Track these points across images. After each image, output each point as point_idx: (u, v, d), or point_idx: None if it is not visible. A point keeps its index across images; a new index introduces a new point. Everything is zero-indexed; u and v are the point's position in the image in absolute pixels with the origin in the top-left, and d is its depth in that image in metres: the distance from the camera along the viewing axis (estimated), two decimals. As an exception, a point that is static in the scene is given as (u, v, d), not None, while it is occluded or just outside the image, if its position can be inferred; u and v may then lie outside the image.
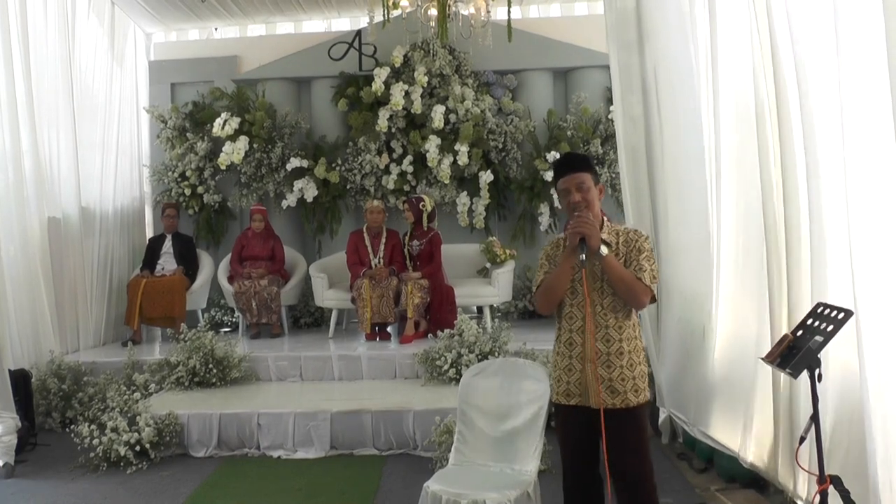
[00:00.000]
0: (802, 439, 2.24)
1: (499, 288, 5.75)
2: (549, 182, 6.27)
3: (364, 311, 5.39)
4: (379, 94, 6.35)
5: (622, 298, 2.30)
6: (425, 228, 5.62)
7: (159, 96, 6.90)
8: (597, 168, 2.41)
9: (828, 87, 2.41)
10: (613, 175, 6.11)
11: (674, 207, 3.63)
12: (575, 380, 2.32)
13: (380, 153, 6.58)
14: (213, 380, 4.70)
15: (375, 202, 5.75)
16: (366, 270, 5.53)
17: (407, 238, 5.69)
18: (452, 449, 2.87)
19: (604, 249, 2.23)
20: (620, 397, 2.27)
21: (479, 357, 4.43)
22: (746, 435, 3.00)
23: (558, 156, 6.21)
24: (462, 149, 6.29)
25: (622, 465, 2.24)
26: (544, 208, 6.43)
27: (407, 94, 6.38)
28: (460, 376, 3.96)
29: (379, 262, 5.61)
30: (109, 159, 6.20)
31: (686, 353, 3.52)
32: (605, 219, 2.39)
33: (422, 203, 5.60)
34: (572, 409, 2.32)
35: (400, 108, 6.33)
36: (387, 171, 6.59)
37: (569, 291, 2.32)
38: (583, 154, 2.60)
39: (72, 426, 4.13)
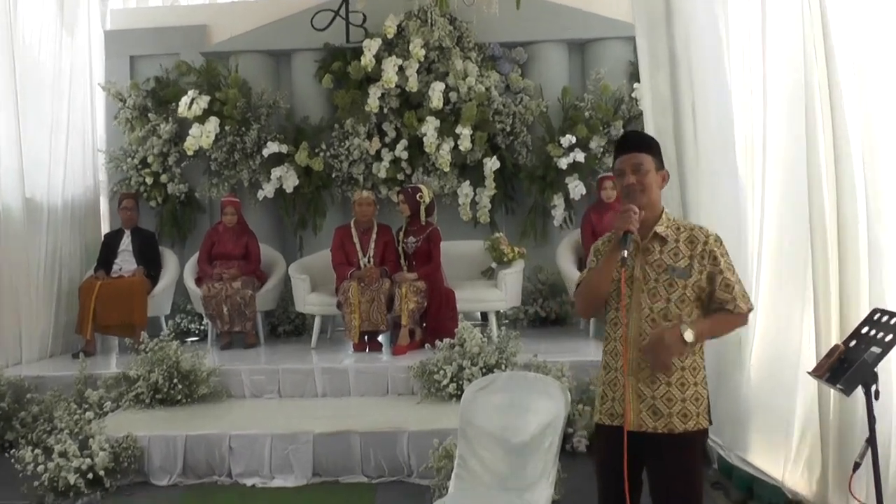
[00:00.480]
0: (857, 465, 2.23)
1: (506, 291, 5.75)
2: (564, 170, 6.27)
3: (352, 318, 5.39)
4: (369, 69, 6.34)
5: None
6: (422, 223, 5.62)
7: (117, 71, 6.88)
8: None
9: (888, 71, 2.39)
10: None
11: (706, 200, 3.63)
12: (620, 397, 2.29)
13: (370, 137, 6.56)
14: (179, 397, 4.70)
15: (365, 193, 5.74)
16: (354, 271, 5.53)
17: (401, 234, 5.69)
18: (453, 476, 2.86)
19: (688, 335, 2.20)
20: (663, 421, 2.24)
21: (484, 370, 4.42)
22: (790, 461, 2.99)
23: (574, 140, 6.22)
24: (464, 132, 6.28)
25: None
26: (558, 200, 6.42)
27: (401, 69, 6.37)
28: (462, 392, 3.94)
29: (369, 262, 5.61)
30: (59, 143, 6.16)
31: (718, 367, 3.50)
32: (665, 211, 2.34)
33: (419, 194, 5.60)
34: (615, 430, 2.27)
35: (393, 85, 6.32)
36: (378, 157, 6.58)
37: (615, 293, 2.31)
38: (646, 134, 2.58)
39: (12, 451, 4.07)
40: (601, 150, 6.30)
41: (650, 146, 2.34)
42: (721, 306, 2.28)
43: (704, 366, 2.32)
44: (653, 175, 2.29)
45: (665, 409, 2.24)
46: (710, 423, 2.30)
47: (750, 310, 2.30)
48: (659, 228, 2.29)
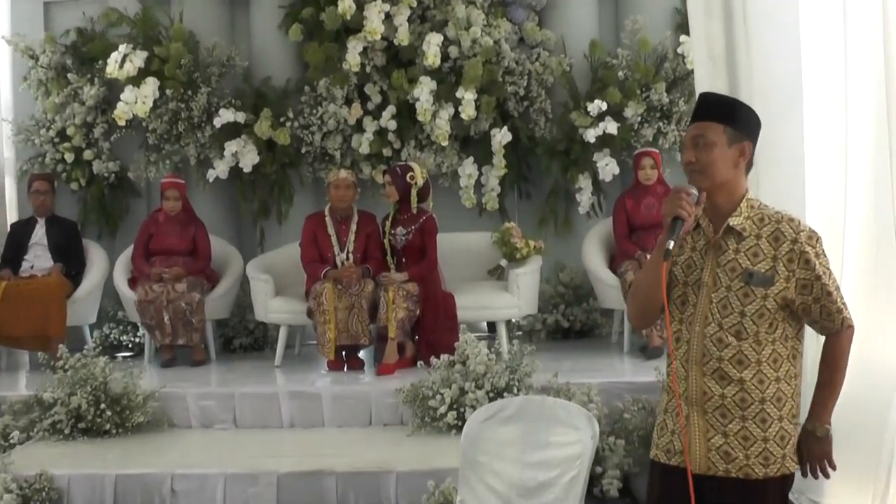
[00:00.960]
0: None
1: (519, 296, 5.74)
2: (592, 145, 6.27)
3: (326, 329, 5.38)
4: (348, 17, 6.31)
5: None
6: (414, 211, 5.61)
7: (26, 21, 6.84)
8: (746, 118, 2.35)
9: None
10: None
11: (766, 183, 3.62)
12: (681, 430, 2.28)
13: (349, 103, 6.53)
14: (107, 426, 4.68)
15: (342, 173, 5.73)
16: (328, 270, 5.52)
17: (388, 224, 5.67)
18: (453, 527, 2.86)
19: (822, 430, 2.24)
20: (737, 464, 2.23)
21: (491, 395, 4.41)
22: (880, 499, 2.98)
23: (604, 107, 6.21)
24: (467, 96, 6.27)
25: None
26: (585, 182, 6.41)
27: (388, 17, 6.35)
28: (463, 423, 3.89)
29: (347, 259, 5.60)
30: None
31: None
32: (747, 196, 2.30)
33: (409, 174, 5.59)
34: (674, 471, 2.28)
35: (378, 37, 6.31)
36: (359, 128, 6.56)
37: (678, 301, 2.29)
38: (724, 96, 2.55)
39: None
40: (638, 119, 6.28)
41: (725, 112, 2.30)
42: (827, 321, 2.26)
43: (794, 393, 2.29)
44: (720, 150, 2.25)
45: (739, 450, 2.24)
46: (798, 465, 2.29)
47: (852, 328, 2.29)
48: (734, 220, 2.26)
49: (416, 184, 5.57)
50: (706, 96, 2.43)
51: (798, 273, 2.22)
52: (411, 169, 5.62)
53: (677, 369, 2.29)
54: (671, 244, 2.17)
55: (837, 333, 2.27)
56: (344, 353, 5.52)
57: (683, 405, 2.27)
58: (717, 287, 2.25)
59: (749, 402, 2.23)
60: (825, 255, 2.27)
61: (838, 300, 2.26)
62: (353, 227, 5.67)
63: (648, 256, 2.37)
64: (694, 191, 2.21)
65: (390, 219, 5.68)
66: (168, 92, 6.40)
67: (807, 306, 2.24)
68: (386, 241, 5.65)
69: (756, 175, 3.63)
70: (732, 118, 2.30)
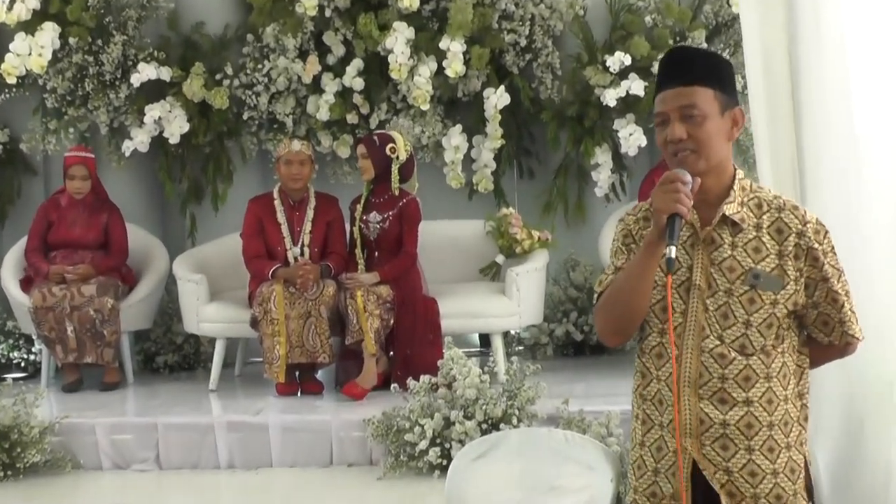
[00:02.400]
0: None
1: (519, 300, 5.75)
2: (612, 109, 6.26)
3: (275, 344, 5.37)
4: (301, -55, 6.32)
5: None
6: (394, 192, 5.61)
7: None
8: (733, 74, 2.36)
9: None
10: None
11: (809, 172, 3.64)
12: (667, 468, 2.31)
13: (304, 56, 6.52)
14: (-5, 468, 4.65)
15: (296, 144, 5.72)
16: (278, 268, 5.50)
17: (358, 209, 5.67)
18: None
19: None
20: None
21: (485, 427, 4.42)
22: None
23: (627, 61, 6.21)
24: (453, 48, 6.25)
25: None
26: (603, 156, 6.41)
27: (353, -55, 6.36)
28: (448, 462, 3.87)
29: (302, 255, 5.59)
30: None
31: (860, 424, 3.49)
32: (737, 176, 2.32)
33: (390, 145, 5.58)
34: None
35: (340, -29, 6.32)
36: (317, 88, 6.55)
37: (658, 308, 2.31)
38: (703, 50, 2.53)
39: None
40: (671, 76, 6.30)
41: (711, 72, 2.30)
42: (820, 331, 2.31)
43: (801, 417, 2.34)
44: (714, 122, 2.26)
45: (747, 489, 2.26)
46: (812, 502, 2.32)
47: (863, 338, 2.34)
48: (729, 208, 2.28)
49: (397, 157, 5.57)
50: (685, 52, 2.43)
51: (805, 271, 2.26)
52: (392, 139, 5.61)
53: (660, 393, 2.31)
54: (673, 250, 2.16)
55: (830, 346, 2.34)
56: (297, 373, 5.50)
57: (669, 437, 2.29)
58: (713, 291, 2.26)
59: (756, 427, 2.25)
60: (834, 253, 2.30)
61: (845, 308, 2.29)
62: (310, 213, 5.65)
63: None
64: (688, 177, 2.19)
65: (362, 202, 5.66)
66: (71, 41, 6.36)
67: (805, 309, 2.29)
68: (354, 231, 5.64)
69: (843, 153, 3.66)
70: (722, 79, 2.31)
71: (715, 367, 2.25)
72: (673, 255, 2.15)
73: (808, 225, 2.27)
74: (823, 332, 2.31)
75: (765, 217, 2.28)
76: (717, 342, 2.25)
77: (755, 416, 2.25)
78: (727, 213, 2.26)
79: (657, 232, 2.19)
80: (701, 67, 2.30)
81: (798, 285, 2.25)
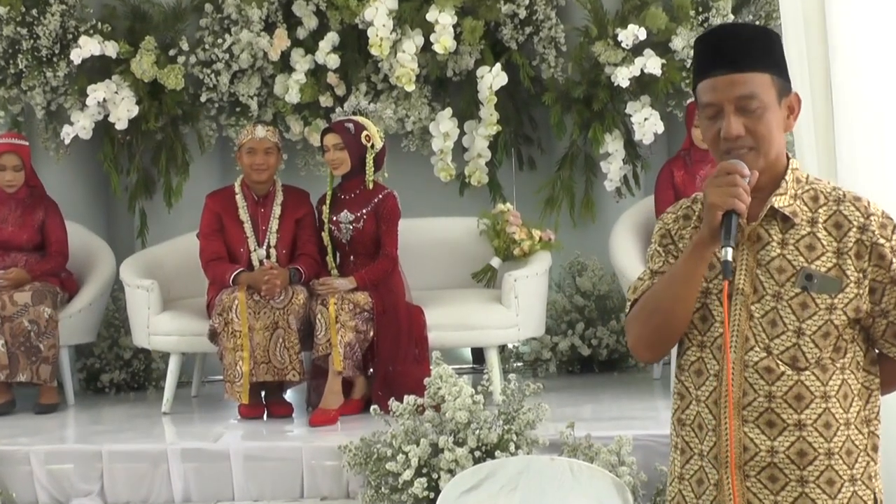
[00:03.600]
0: None
1: (518, 309, 5.74)
2: (625, 90, 6.28)
3: (237, 360, 5.36)
4: None
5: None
6: (368, 186, 5.61)
7: None
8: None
9: None
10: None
11: (847, 161, 3.66)
12: (709, 502, 2.30)
13: (270, 29, 6.51)
14: (-86, 504, 4.64)
15: (261, 130, 5.70)
16: (240, 273, 5.50)
17: (328, 206, 5.67)
18: None
19: None
20: None
21: (478, 455, 4.39)
22: None
23: (642, 35, 6.21)
24: (442, 20, 6.26)
25: None
26: (614, 144, 6.42)
27: None
28: (436, 495, 3.87)
29: (268, 257, 5.60)
30: None
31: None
32: (791, 166, 2.31)
33: (365, 133, 5.58)
34: None
35: (312, -68, 6.32)
36: (285, 65, 6.56)
37: (697, 318, 2.31)
38: (755, 27, 2.48)
39: None
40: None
41: (766, 52, 2.29)
42: (892, 346, 2.29)
43: (869, 447, 2.32)
44: (774, 113, 2.26)
45: None
46: None
47: None
48: (779, 201, 2.27)
49: (372, 147, 5.57)
50: (738, 30, 2.40)
51: (870, 272, 2.24)
52: (364, 127, 5.61)
53: (700, 416, 2.30)
54: (730, 252, 2.15)
55: None
56: (263, 393, 5.50)
57: (712, 465, 2.28)
58: (759, 296, 2.25)
59: (811, 456, 2.24)
60: None
61: None
62: (276, 209, 5.66)
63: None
64: (747, 170, 2.19)
65: (329, 198, 5.66)
66: (1, 11, 6.35)
67: (871, 319, 2.27)
68: (325, 231, 5.64)
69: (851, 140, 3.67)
70: (778, 60, 2.30)
71: (761, 383, 2.24)
72: (730, 258, 2.14)
73: (872, 218, 2.24)
74: (893, 344, 2.28)
75: (821, 210, 2.27)
76: (764, 354, 2.24)
77: (809, 443, 2.23)
78: (776, 206, 2.25)
79: (709, 231, 2.18)
80: (758, 49, 2.28)
81: (860, 288, 2.23)
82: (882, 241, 2.23)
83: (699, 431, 2.31)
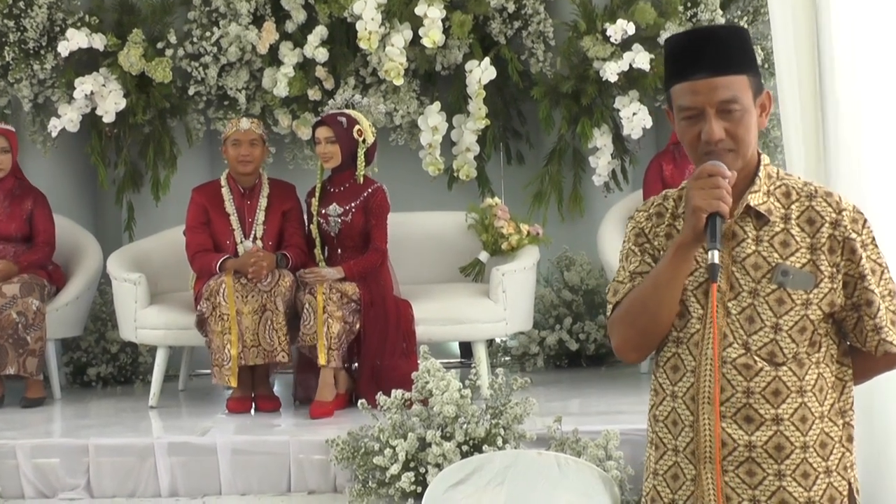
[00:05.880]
0: None
1: (506, 304, 5.75)
2: (613, 85, 6.29)
3: (225, 343, 5.36)
4: None
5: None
6: (358, 180, 5.61)
7: None
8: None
9: None
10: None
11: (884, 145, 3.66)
12: (685, 499, 2.32)
13: (259, 22, 6.52)
14: None
15: (245, 123, 5.70)
16: (226, 259, 5.49)
17: (314, 202, 5.67)
18: None
19: None
20: None
21: (465, 449, 4.39)
22: None
23: (631, 30, 6.21)
24: (431, 13, 6.26)
25: None
26: (602, 139, 6.44)
27: None
28: (424, 489, 3.87)
29: (256, 245, 5.60)
30: None
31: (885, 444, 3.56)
32: (763, 163, 2.33)
33: (357, 127, 5.57)
34: None
35: (301, -75, 6.33)
36: (273, 59, 6.57)
37: (677, 318, 2.32)
38: (730, 28, 2.50)
39: None
40: (681, 48, 6.32)
41: (743, 53, 2.30)
42: (857, 339, 2.31)
43: (852, 434, 2.35)
44: (752, 114, 2.28)
45: None
46: None
47: None
48: (754, 198, 2.28)
49: (363, 141, 5.56)
50: (714, 33, 2.41)
51: (843, 266, 2.26)
52: (356, 121, 5.60)
53: (675, 412, 2.32)
54: (716, 254, 2.16)
55: (872, 356, 2.33)
56: (251, 387, 5.51)
57: (688, 460, 2.30)
58: (735, 292, 2.27)
59: (787, 449, 2.26)
60: (875, 246, 2.30)
61: (883, 313, 2.28)
62: (263, 201, 5.66)
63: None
64: (727, 171, 2.20)
65: (318, 192, 5.66)
66: (-16, 5, 6.35)
67: (844, 313, 2.29)
68: (313, 224, 5.64)
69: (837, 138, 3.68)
70: (752, 60, 2.31)
71: (738, 379, 2.26)
72: (716, 261, 2.15)
73: (844, 213, 2.26)
74: (874, 340, 2.29)
75: (794, 207, 2.29)
76: (742, 351, 2.26)
77: (786, 437, 2.26)
78: (752, 204, 2.26)
79: (692, 233, 2.20)
80: (735, 50, 2.29)
81: (834, 283, 2.25)
82: (854, 235, 2.26)
83: (673, 427, 2.33)
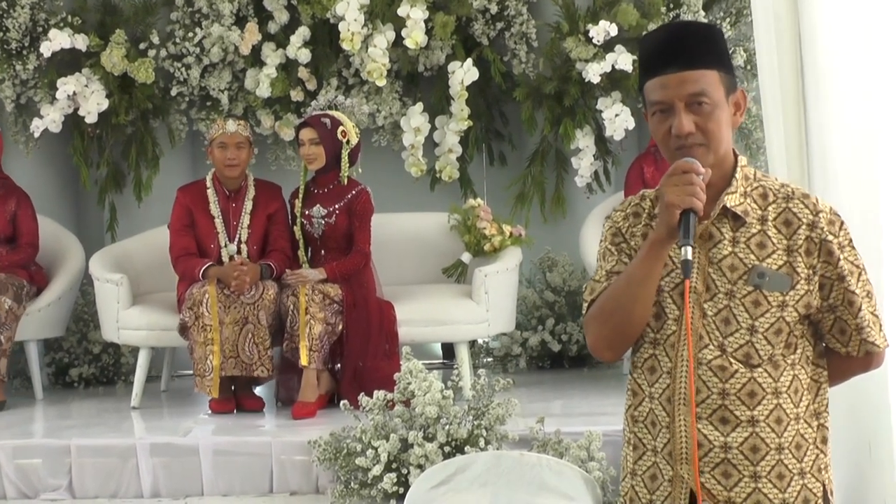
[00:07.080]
0: None
1: (488, 305, 5.75)
2: (596, 86, 6.29)
3: (207, 353, 5.35)
4: None
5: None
6: (342, 181, 5.60)
7: None
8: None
9: None
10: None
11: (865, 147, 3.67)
12: (663, 499, 2.32)
13: (241, 22, 6.52)
14: None
15: (231, 125, 5.67)
16: (209, 266, 5.48)
17: (300, 200, 5.66)
18: None
19: None
20: None
21: (447, 450, 4.40)
22: None
23: (614, 31, 6.23)
24: (414, 14, 6.26)
25: None
26: (585, 140, 6.44)
27: None
28: (406, 490, 3.87)
29: (239, 252, 5.59)
30: None
31: (869, 444, 3.58)
32: (740, 164, 2.34)
33: (341, 128, 5.57)
34: None
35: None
36: (256, 60, 6.56)
37: (654, 319, 2.33)
38: (702, 24, 2.52)
39: None
40: (663, 49, 6.34)
41: (715, 50, 2.31)
42: (837, 341, 2.32)
43: (827, 436, 2.35)
44: (723, 110, 2.28)
45: None
46: None
47: (887, 346, 2.34)
48: (731, 199, 2.28)
49: (348, 142, 5.56)
50: (687, 28, 2.41)
51: (819, 268, 2.27)
52: (340, 122, 5.60)
53: (653, 413, 2.33)
54: (689, 251, 2.16)
55: (849, 357, 2.33)
56: (233, 388, 5.50)
57: (666, 461, 2.30)
58: (711, 294, 2.27)
59: (763, 451, 2.26)
60: (853, 247, 2.31)
61: (863, 312, 2.29)
62: (248, 204, 5.64)
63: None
64: (701, 168, 2.20)
65: (301, 193, 5.65)
66: (-31, 4, 6.32)
67: (820, 314, 2.30)
68: (297, 226, 5.63)
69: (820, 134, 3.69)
70: (725, 57, 2.32)
71: (714, 380, 2.26)
72: (689, 257, 2.15)
73: (821, 215, 2.27)
74: (840, 341, 2.31)
75: (770, 208, 2.29)
76: (718, 352, 2.26)
77: (761, 438, 2.26)
78: (728, 205, 2.27)
79: (666, 230, 2.19)
80: (707, 46, 2.29)
81: (811, 285, 2.26)
82: (830, 237, 2.26)
83: (652, 428, 2.33)
